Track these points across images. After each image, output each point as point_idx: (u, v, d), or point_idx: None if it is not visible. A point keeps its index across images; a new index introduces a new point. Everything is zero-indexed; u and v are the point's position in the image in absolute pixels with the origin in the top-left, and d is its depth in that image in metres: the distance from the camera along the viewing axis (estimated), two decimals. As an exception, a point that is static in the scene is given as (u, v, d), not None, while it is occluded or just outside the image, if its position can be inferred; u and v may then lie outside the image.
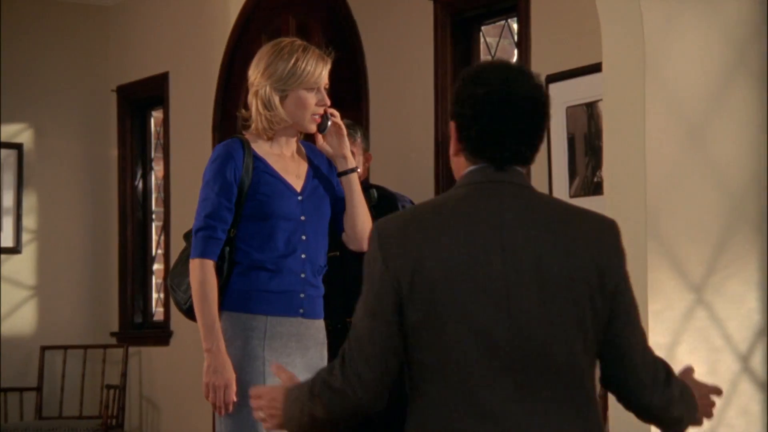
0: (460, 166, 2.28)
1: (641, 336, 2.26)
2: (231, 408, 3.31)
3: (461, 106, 2.23)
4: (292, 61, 3.40)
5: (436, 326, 2.15)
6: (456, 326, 2.14)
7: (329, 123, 3.45)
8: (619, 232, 2.26)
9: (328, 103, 3.47)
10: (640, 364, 2.25)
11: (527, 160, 2.26)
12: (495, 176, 2.22)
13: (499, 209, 2.19)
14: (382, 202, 4.78)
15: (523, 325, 2.14)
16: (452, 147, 2.29)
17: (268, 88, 3.41)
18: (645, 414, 2.28)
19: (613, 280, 2.20)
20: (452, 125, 2.27)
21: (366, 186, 4.96)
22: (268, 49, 3.46)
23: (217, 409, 3.32)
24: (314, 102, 3.42)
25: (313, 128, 3.47)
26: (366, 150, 4.99)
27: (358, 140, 4.96)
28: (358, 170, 4.93)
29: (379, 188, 4.97)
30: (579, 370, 2.18)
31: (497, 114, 2.20)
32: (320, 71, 3.42)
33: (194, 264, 3.36)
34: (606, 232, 2.24)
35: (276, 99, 3.40)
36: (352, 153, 4.93)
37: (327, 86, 3.48)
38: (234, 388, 3.30)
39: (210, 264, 3.35)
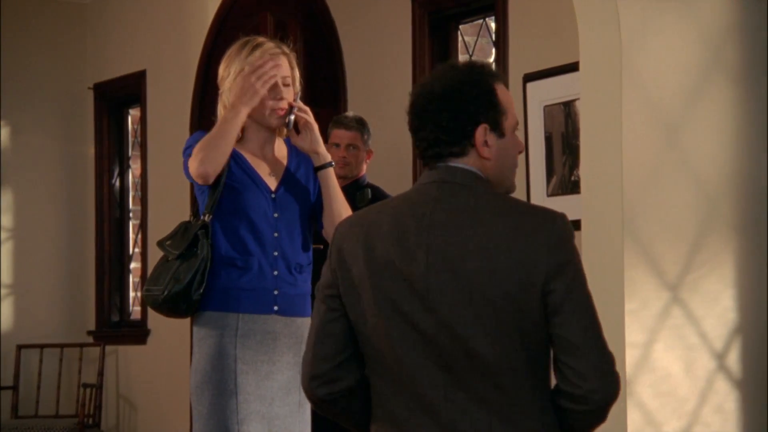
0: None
1: (585, 331, 2.18)
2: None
3: (408, 112, 2.29)
4: (243, 60, 3.40)
5: (370, 323, 2.21)
6: (387, 324, 2.19)
7: (292, 117, 3.43)
8: (556, 226, 2.19)
9: (286, 96, 3.43)
10: (580, 356, 2.18)
11: (461, 152, 2.24)
12: (439, 176, 2.25)
13: (430, 211, 2.22)
14: (375, 202, 4.78)
15: (446, 326, 2.17)
16: None
17: (226, 92, 3.44)
18: (568, 400, 2.22)
19: (541, 279, 2.16)
20: None
21: (363, 185, 4.97)
22: (228, 51, 3.48)
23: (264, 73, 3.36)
24: (268, 97, 3.41)
25: (274, 123, 3.45)
26: (368, 147, 5.00)
27: (365, 136, 4.97)
28: (363, 166, 4.96)
29: (374, 188, 4.98)
30: (510, 371, 2.17)
31: (417, 113, 2.26)
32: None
33: (192, 155, 3.35)
34: (538, 230, 2.19)
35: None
36: (357, 148, 4.96)
37: (288, 81, 3.43)
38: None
39: None
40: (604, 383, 2.20)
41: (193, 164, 3.33)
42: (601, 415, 2.25)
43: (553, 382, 2.25)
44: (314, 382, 2.27)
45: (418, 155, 2.31)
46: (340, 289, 2.24)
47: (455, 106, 2.24)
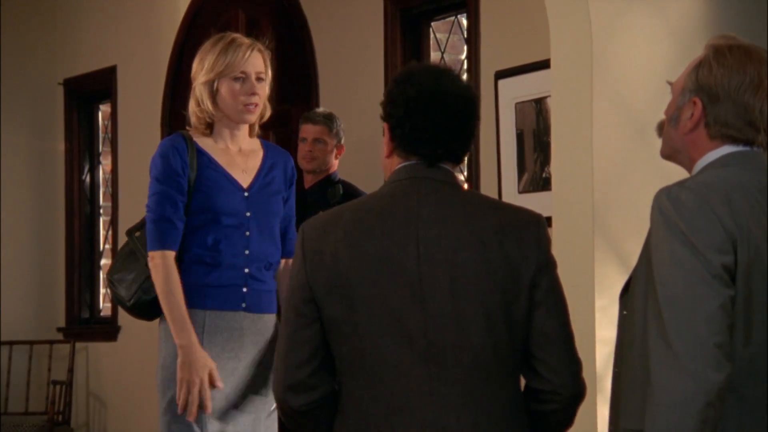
0: (393, 167, 2.31)
1: (562, 327, 2.25)
2: (209, 408, 3.22)
3: (393, 107, 2.27)
4: (217, 53, 3.40)
5: (353, 319, 2.19)
6: (371, 318, 2.18)
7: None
8: (541, 226, 2.28)
9: (259, 92, 3.41)
10: (554, 351, 2.24)
11: (458, 158, 2.30)
12: (420, 173, 2.26)
13: (417, 205, 2.22)
14: (346, 199, 4.81)
15: (436, 317, 2.17)
16: (385, 149, 2.32)
17: (199, 85, 3.42)
18: (536, 400, 2.26)
19: (530, 273, 2.21)
20: (385, 127, 2.31)
21: (334, 181, 4.99)
22: (203, 46, 3.48)
23: (190, 407, 3.21)
24: (241, 91, 3.39)
25: (244, 118, 3.43)
26: (338, 142, 5.01)
27: (334, 131, 4.99)
28: (335, 161, 4.99)
29: (345, 184, 4.99)
30: (497, 365, 2.19)
31: (429, 111, 2.24)
32: (243, 59, 3.38)
33: (155, 257, 3.30)
34: (525, 226, 2.25)
35: (205, 94, 3.41)
36: (324, 142, 4.98)
37: (263, 76, 3.41)
38: (207, 385, 3.22)
39: (172, 255, 3.30)
40: (573, 381, 2.25)
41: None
42: (568, 416, 2.28)
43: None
44: (289, 392, 2.23)
45: (409, 149, 2.27)
46: (315, 293, 2.21)
47: (475, 113, 2.28)
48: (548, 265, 2.25)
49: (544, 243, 2.26)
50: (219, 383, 3.23)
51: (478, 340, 2.17)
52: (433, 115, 2.24)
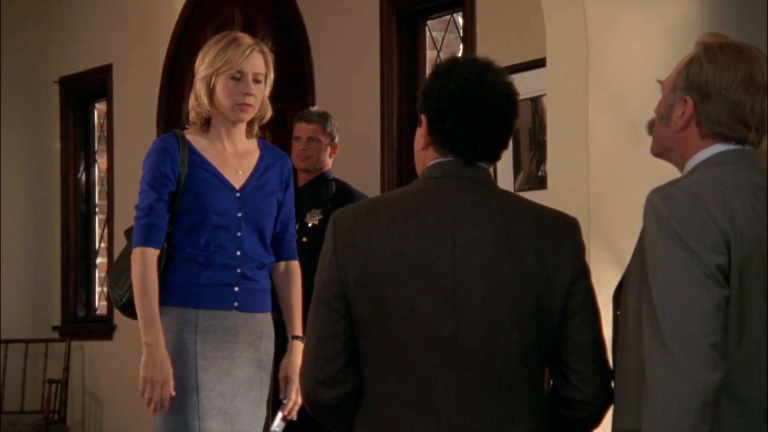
0: (427, 160, 2.26)
1: (596, 338, 2.23)
2: (166, 405, 3.26)
3: (434, 100, 2.21)
4: (218, 50, 3.39)
5: (382, 319, 2.15)
6: (401, 320, 2.14)
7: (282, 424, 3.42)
8: (577, 230, 2.24)
9: (254, 93, 3.41)
10: (589, 362, 2.22)
11: (495, 156, 2.25)
12: (456, 171, 2.21)
13: (453, 206, 2.18)
14: (339, 196, 4.83)
15: (469, 322, 2.13)
16: (421, 141, 2.26)
17: (198, 80, 3.42)
18: (565, 406, 2.25)
19: (566, 279, 2.19)
20: (423, 119, 2.25)
21: (328, 179, 5.00)
22: (208, 42, 3.48)
23: (152, 404, 3.27)
24: (235, 90, 3.38)
25: (238, 117, 3.41)
26: (332, 141, 5.02)
27: (328, 130, 5.00)
28: (328, 160, 4.99)
29: (338, 182, 5.01)
30: (525, 370, 2.17)
31: (470, 109, 2.19)
32: (241, 58, 3.37)
33: (136, 253, 3.32)
34: (562, 231, 2.22)
35: (203, 90, 3.41)
36: (318, 141, 4.99)
37: (261, 78, 3.40)
38: (171, 384, 3.26)
39: (152, 253, 3.31)
40: (603, 391, 2.24)
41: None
42: (594, 423, 2.28)
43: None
44: (320, 387, 2.20)
45: (447, 146, 2.22)
46: (347, 287, 2.17)
47: (515, 111, 2.24)
48: (584, 274, 2.22)
49: (580, 250, 2.23)
50: (173, 391, 3.26)
51: (509, 348, 2.14)
52: (475, 113, 2.19)
